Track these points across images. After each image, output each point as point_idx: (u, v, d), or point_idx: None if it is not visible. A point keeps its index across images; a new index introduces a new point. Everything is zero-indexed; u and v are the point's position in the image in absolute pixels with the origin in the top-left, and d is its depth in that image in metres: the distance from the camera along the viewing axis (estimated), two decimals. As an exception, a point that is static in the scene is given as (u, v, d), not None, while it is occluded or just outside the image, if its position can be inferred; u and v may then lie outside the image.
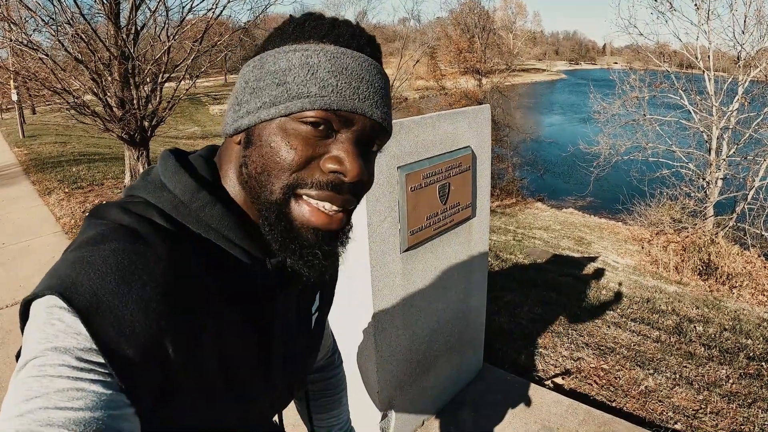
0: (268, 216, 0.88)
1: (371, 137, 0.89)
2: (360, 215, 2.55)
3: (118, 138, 9.49)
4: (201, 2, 8.68)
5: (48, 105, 10.42)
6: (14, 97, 21.66)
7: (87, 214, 0.90)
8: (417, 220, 2.79)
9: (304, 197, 0.86)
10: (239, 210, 0.95)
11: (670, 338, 5.43)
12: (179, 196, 0.91)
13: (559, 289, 6.75)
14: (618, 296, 6.87)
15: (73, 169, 14.06)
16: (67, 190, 11.24)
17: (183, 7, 9.43)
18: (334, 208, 0.87)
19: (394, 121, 2.62)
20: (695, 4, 16.52)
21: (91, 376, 0.70)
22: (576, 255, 10.91)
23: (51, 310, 0.72)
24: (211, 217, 0.90)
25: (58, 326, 0.71)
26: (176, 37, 9.13)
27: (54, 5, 8.02)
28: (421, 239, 2.87)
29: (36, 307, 0.74)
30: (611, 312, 6.08)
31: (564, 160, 25.49)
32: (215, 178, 0.98)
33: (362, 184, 0.90)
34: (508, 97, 32.95)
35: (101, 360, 0.71)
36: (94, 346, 0.71)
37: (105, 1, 8.61)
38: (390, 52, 45.43)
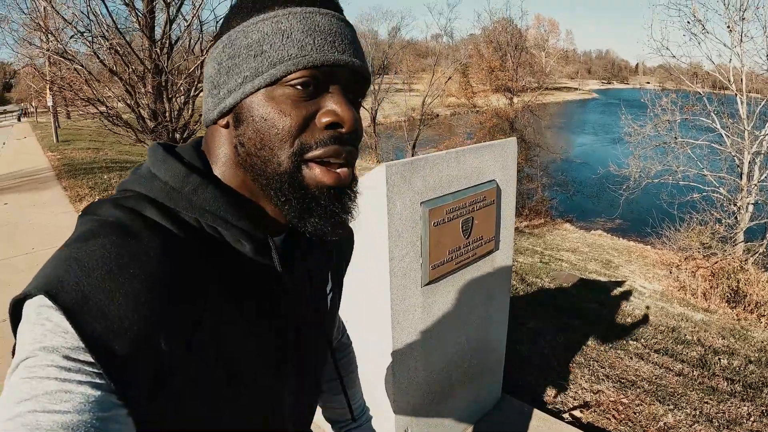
0: (281, 187, 0.88)
1: (355, 86, 0.91)
2: (381, 249, 2.57)
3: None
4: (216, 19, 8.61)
5: (81, 114, 10.58)
6: (49, 102, 22.05)
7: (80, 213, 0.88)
8: (439, 255, 2.80)
9: (313, 161, 0.87)
10: (233, 191, 0.94)
11: (693, 371, 5.37)
12: (170, 183, 0.90)
13: (584, 315, 6.71)
14: (643, 324, 6.81)
15: (105, 177, 14.26)
16: (97, 198, 11.36)
17: (217, 21, 9.53)
18: (339, 161, 0.88)
19: (419, 157, 2.67)
20: (728, 27, 16.37)
21: (80, 376, 0.70)
22: (603, 279, 10.83)
23: (39, 310, 0.72)
24: (204, 199, 0.88)
25: (46, 326, 0.71)
26: (210, 50, 9.19)
27: (90, 18, 8.17)
28: (442, 273, 2.88)
29: (27, 307, 0.74)
30: (635, 342, 6.02)
31: (594, 181, 25.31)
32: (205, 164, 0.97)
33: (357, 133, 0.91)
34: (539, 116, 32.80)
35: (90, 359, 0.70)
36: (82, 344, 0.70)
37: (140, 15, 8.75)
38: (422, 68, 45.46)
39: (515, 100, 31.70)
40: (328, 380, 1.55)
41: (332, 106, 0.86)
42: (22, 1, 8.41)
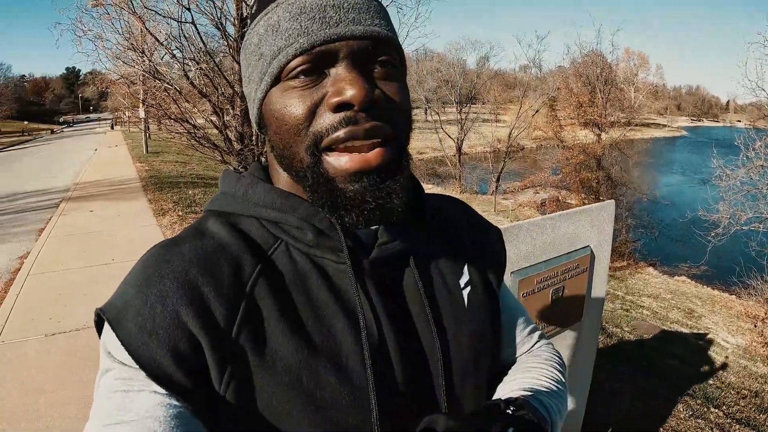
0: (310, 183, 0.84)
1: (369, 54, 0.83)
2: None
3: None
4: None
5: (170, 128, 10.91)
6: (141, 114, 22.79)
7: None
8: (526, 325, 2.66)
9: (332, 147, 0.81)
10: (284, 190, 0.92)
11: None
12: (227, 191, 0.96)
13: (664, 375, 6.44)
14: (725, 387, 6.49)
15: (190, 192, 14.62)
16: (180, 213, 11.65)
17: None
18: (365, 143, 0.80)
19: (513, 225, 2.56)
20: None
21: (135, 385, 0.75)
22: (684, 330, 10.50)
23: (104, 326, 0.81)
24: (256, 195, 0.91)
25: (107, 343, 0.80)
26: None
27: (181, 41, 8.35)
28: (528, 344, 2.74)
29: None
30: (716, 410, 5.72)
31: (680, 224, 24.59)
32: (266, 173, 0.99)
33: (381, 105, 0.82)
34: (627, 153, 32.15)
35: (135, 366, 0.75)
36: (127, 355, 0.76)
37: (230, 39, 8.91)
38: (509, 99, 45.36)
39: (603, 136, 31.19)
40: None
41: (336, 84, 0.80)
42: (116, 20, 8.60)
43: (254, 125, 0.94)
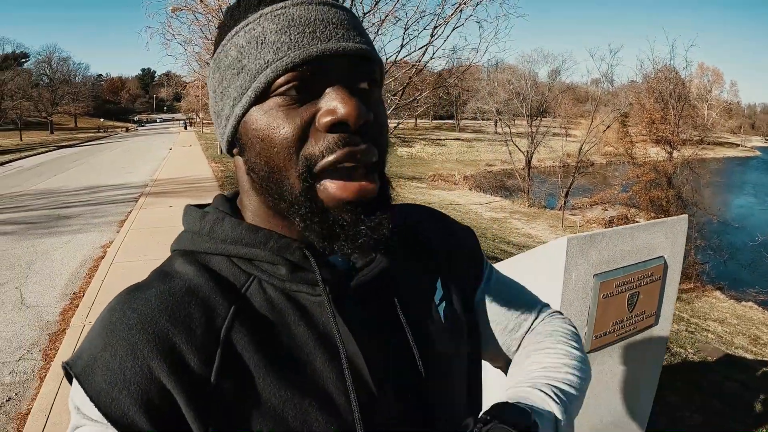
0: (300, 212, 0.79)
1: (358, 73, 0.80)
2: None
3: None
4: (406, 56, 8.73)
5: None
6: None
7: None
8: (603, 326, 2.86)
9: (326, 173, 0.77)
10: (252, 224, 0.87)
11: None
12: (191, 229, 0.89)
13: (724, 396, 6.42)
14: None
15: (263, 193, 14.93)
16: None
17: (387, 59, 9.84)
18: (357, 168, 0.78)
19: (597, 232, 2.74)
20: None
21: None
22: (749, 357, 10.30)
23: (73, 381, 0.76)
24: (222, 231, 0.86)
25: (75, 399, 0.77)
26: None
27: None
28: (603, 343, 2.93)
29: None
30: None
31: (750, 248, 23.98)
32: (232, 205, 0.94)
33: (370, 127, 0.78)
34: (698, 173, 31.25)
35: (106, 422, 0.72)
36: (91, 403, 0.72)
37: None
38: (580, 113, 44.44)
39: (674, 153, 30.48)
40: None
41: (329, 103, 0.76)
42: (205, 26, 8.95)
43: (223, 146, 0.88)
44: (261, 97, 0.77)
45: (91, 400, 0.72)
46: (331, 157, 0.75)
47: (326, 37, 0.76)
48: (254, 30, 0.77)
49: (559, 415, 0.89)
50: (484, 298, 1.13)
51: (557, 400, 0.92)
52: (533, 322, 1.16)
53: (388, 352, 0.88)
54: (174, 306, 0.78)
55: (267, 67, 0.75)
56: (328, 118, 0.75)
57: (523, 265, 2.94)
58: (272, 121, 0.77)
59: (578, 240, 2.59)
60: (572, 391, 0.98)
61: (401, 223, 0.93)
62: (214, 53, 0.86)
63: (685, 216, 3.37)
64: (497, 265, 3.28)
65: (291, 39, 0.75)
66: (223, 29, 0.84)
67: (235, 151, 0.87)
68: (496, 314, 1.13)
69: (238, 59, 0.79)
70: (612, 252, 2.78)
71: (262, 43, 0.76)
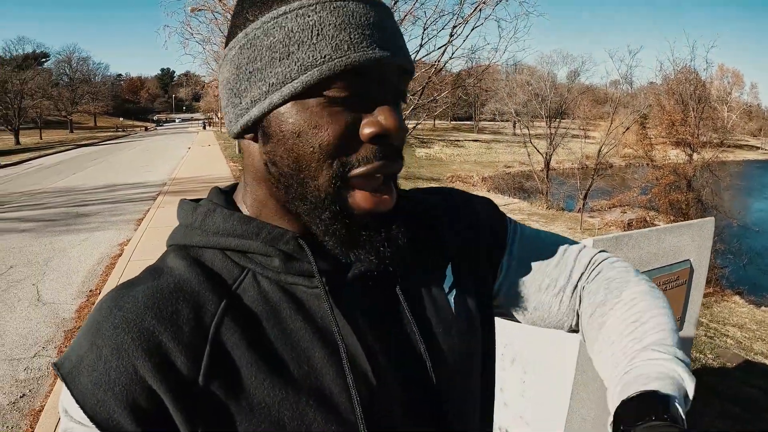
0: (322, 216, 0.77)
1: (399, 85, 0.79)
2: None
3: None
4: (425, 55, 8.68)
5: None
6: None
7: None
8: (627, 330, 2.79)
9: (356, 180, 0.75)
10: (244, 215, 0.84)
11: None
12: (184, 223, 0.87)
13: (744, 403, 6.34)
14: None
15: (282, 192, 15.01)
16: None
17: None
18: (382, 182, 0.77)
19: (624, 234, 2.68)
20: None
21: None
22: (768, 362, 10.21)
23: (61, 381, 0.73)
24: (214, 223, 0.82)
25: (64, 401, 0.74)
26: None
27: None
28: (628, 348, 2.86)
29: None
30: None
31: (771, 252, 23.75)
32: (227, 197, 0.91)
33: (404, 142, 0.79)
34: (718, 176, 30.92)
35: (92, 425, 0.70)
36: (77, 405, 0.70)
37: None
38: (599, 115, 44.23)
39: (694, 156, 30.25)
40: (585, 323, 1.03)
41: (377, 115, 0.74)
42: (224, 25, 9.00)
43: (237, 127, 0.81)
44: (307, 91, 0.72)
45: (77, 402, 0.70)
46: (366, 167, 0.74)
47: (383, 43, 0.73)
48: (309, 16, 0.71)
49: (687, 377, 0.80)
50: (513, 263, 1.06)
51: (678, 360, 0.82)
52: (571, 274, 1.05)
53: (391, 346, 0.84)
54: (161, 303, 0.74)
55: (323, 62, 0.70)
56: (372, 129, 0.73)
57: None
58: (314, 120, 0.73)
59: (604, 242, 2.53)
60: (676, 336, 0.90)
61: (412, 209, 0.93)
62: (239, 23, 0.78)
63: (712, 218, 3.32)
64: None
65: (351, 39, 0.71)
66: (258, 3, 0.76)
67: (249, 136, 0.81)
68: (529, 274, 1.05)
69: (283, 43, 0.73)
70: (638, 254, 2.72)
71: (318, 34, 0.71)
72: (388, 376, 0.81)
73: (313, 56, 0.71)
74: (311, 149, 0.73)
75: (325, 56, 0.70)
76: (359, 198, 0.75)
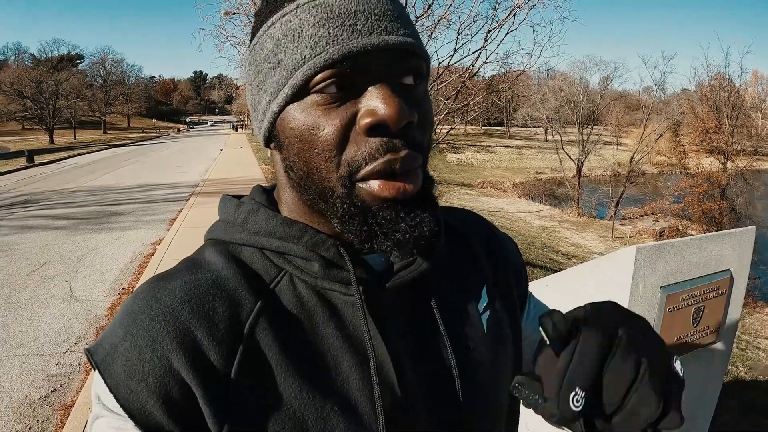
0: (338, 213, 0.76)
1: (402, 68, 0.75)
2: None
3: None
4: (459, 60, 8.64)
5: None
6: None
7: None
8: (666, 340, 2.72)
9: (367, 176, 0.73)
10: (287, 217, 0.84)
11: None
12: (226, 219, 0.87)
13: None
14: None
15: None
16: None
17: (440, 63, 9.79)
18: (398, 171, 0.73)
19: (665, 242, 2.65)
20: None
21: (118, 423, 0.71)
22: (803, 375, 10.04)
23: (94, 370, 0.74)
24: (256, 222, 0.83)
25: (97, 387, 0.74)
26: (432, 91, 9.42)
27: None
28: (667, 358, 2.84)
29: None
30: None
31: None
32: (269, 197, 0.91)
33: (414, 127, 0.74)
34: (752, 185, 30.28)
35: (125, 415, 0.70)
36: (110, 393, 0.71)
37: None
38: (632, 122, 43.71)
39: (729, 165, 29.66)
40: None
41: (370, 102, 0.71)
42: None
43: (261, 139, 0.85)
44: (298, 94, 0.73)
45: (110, 390, 0.71)
46: (372, 166, 0.72)
47: (368, 30, 0.71)
48: (291, 22, 0.73)
49: None
50: (527, 326, 1.07)
51: None
52: None
53: (421, 360, 0.83)
54: (198, 298, 0.75)
55: (304, 63, 0.71)
56: (367, 120, 0.70)
57: (588, 274, 2.86)
58: (310, 121, 0.73)
59: (647, 250, 2.51)
60: None
61: (445, 224, 0.93)
62: (250, 43, 0.82)
63: (753, 228, 3.27)
64: (547, 278, 3.24)
65: (330, 33, 0.70)
66: (260, 18, 0.80)
67: (272, 146, 0.84)
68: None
69: (274, 52, 0.75)
70: (680, 263, 2.70)
71: (298, 37, 0.72)
72: (414, 388, 0.80)
73: (295, 59, 0.72)
74: (315, 151, 0.73)
75: (305, 57, 0.71)
76: (374, 186, 0.73)
